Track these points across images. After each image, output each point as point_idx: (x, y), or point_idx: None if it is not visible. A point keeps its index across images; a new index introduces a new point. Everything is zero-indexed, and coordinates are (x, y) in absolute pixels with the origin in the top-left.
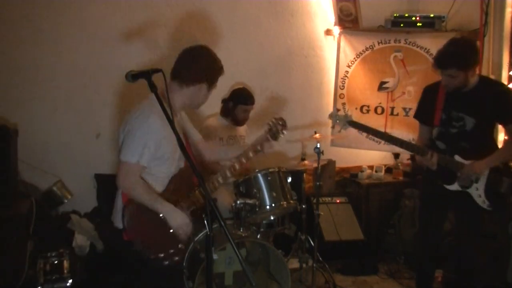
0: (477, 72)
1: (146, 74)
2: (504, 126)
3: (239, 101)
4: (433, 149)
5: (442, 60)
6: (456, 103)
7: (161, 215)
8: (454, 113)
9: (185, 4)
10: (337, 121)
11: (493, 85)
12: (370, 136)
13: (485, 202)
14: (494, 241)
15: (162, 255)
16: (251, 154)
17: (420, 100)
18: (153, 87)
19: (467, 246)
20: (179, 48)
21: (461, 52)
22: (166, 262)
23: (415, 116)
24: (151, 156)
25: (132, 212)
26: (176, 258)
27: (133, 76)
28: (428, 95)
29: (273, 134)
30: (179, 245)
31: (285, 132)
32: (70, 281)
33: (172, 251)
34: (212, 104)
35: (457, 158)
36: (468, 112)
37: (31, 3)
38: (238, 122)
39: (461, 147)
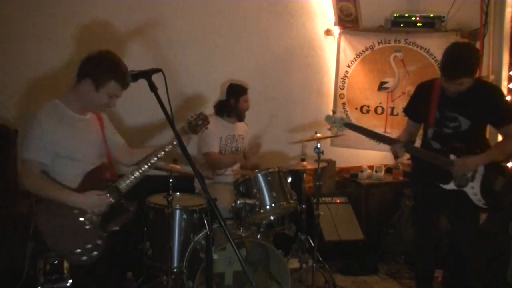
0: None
1: (146, 74)
2: (497, 128)
3: (239, 94)
4: (428, 150)
5: (454, 72)
6: (450, 103)
7: (75, 211)
8: (448, 113)
9: (185, 4)
10: (334, 123)
11: (488, 88)
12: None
13: (480, 200)
14: (494, 241)
15: (78, 250)
16: (166, 149)
17: (413, 96)
18: (153, 87)
19: (463, 245)
20: (179, 48)
21: (469, 60)
22: (84, 258)
23: (405, 111)
24: (51, 153)
25: (44, 209)
26: (94, 253)
27: (133, 76)
28: (422, 93)
29: (193, 127)
30: (98, 241)
31: (207, 127)
32: (70, 281)
33: (89, 246)
34: (213, 104)
35: (452, 157)
36: (463, 113)
37: (31, 3)
38: (242, 115)
39: (455, 147)
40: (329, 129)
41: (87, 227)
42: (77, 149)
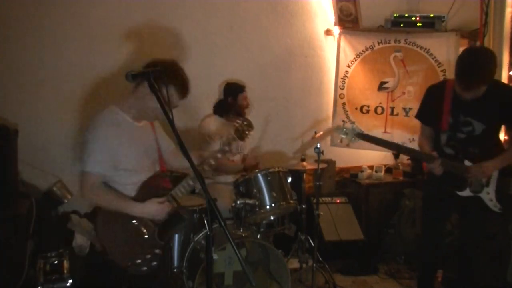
0: None
1: (146, 74)
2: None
3: (237, 92)
4: (438, 154)
5: (471, 82)
6: (464, 107)
7: (134, 221)
8: (461, 118)
9: (185, 4)
10: (346, 134)
11: (503, 88)
12: None
13: (496, 205)
14: (494, 241)
15: (139, 261)
16: (219, 155)
17: (424, 100)
18: (153, 87)
19: (472, 248)
20: (179, 48)
21: (487, 68)
22: (144, 268)
23: (418, 117)
24: (111, 165)
25: (104, 220)
26: (154, 263)
27: (133, 76)
28: (434, 96)
29: (240, 134)
30: (156, 251)
31: (251, 132)
32: (70, 281)
33: (149, 256)
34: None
35: (467, 163)
36: (477, 117)
37: (32, 3)
38: (242, 112)
39: (469, 153)
40: (340, 141)
41: (146, 236)
42: (134, 158)
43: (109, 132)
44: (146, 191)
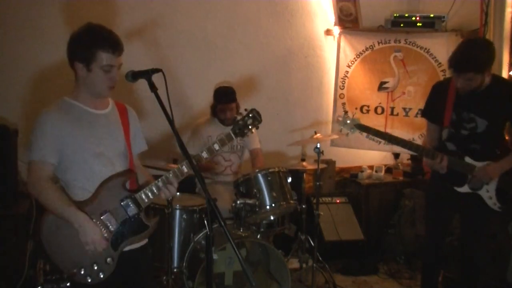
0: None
1: (146, 74)
2: None
3: (217, 101)
4: (442, 152)
5: (460, 64)
6: (467, 103)
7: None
8: (465, 114)
9: (185, 4)
10: (345, 125)
11: (507, 84)
12: (370, 136)
13: (496, 204)
14: (494, 241)
15: (82, 271)
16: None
17: (429, 97)
18: (153, 87)
19: (473, 247)
20: (179, 48)
21: (479, 55)
22: (89, 280)
23: (424, 115)
24: (57, 150)
25: (51, 220)
26: (102, 275)
27: (133, 76)
28: (438, 93)
29: (241, 128)
30: (107, 259)
31: (257, 126)
32: None
33: (96, 267)
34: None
35: (468, 159)
36: (480, 114)
37: (32, 3)
38: (222, 122)
39: (472, 149)
40: (340, 131)
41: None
42: (91, 148)
43: (56, 117)
44: (105, 191)
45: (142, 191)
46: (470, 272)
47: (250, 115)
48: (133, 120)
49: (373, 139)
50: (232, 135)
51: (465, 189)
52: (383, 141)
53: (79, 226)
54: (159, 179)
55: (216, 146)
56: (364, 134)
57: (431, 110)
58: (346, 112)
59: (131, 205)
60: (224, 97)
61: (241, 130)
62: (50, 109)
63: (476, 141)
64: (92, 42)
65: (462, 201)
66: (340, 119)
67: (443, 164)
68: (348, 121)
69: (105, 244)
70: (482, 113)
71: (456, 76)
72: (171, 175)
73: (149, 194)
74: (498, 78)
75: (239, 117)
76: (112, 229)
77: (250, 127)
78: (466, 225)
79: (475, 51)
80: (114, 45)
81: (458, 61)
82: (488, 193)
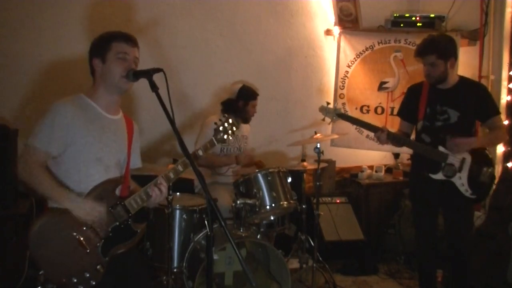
0: (472, 73)
1: (147, 74)
2: (483, 122)
3: (249, 98)
4: (416, 141)
5: (421, 48)
6: (440, 98)
7: (74, 233)
8: (438, 107)
9: (185, 5)
10: (327, 113)
11: (473, 85)
12: (370, 136)
13: (467, 190)
14: (494, 241)
15: (75, 280)
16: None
17: (404, 98)
18: (154, 87)
19: (458, 242)
20: (180, 48)
21: (439, 40)
22: (81, 287)
23: (398, 114)
24: (62, 143)
25: (40, 229)
26: (93, 282)
27: (134, 75)
28: (412, 93)
29: (221, 134)
30: (97, 267)
31: (233, 132)
32: None
33: (87, 275)
34: (213, 104)
35: (441, 148)
36: (451, 106)
37: (31, 3)
38: (249, 118)
39: (444, 139)
40: (323, 119)
41: (88, 251)
42: (94, 152)
43: (69, 110)
44: (99, 193)
45: (131, 198)
46: (459, 267)
47: (230, 121)
48: (136, 135)
49: (374, 139)
50: (215, 141)
51: (439, 176)
52: None
53: (72, 204)
54: (146, 187)
55: (200, 152)
56: (364, 134)
57: (405, 110)
58: (329, 104)
59: (120, 211)
60: (254, 93)
61: (221, 137)
62: (66, 102)
63: (449, 131)
64: (107, 36)
65: (440, 190)
66: (323, 108)
67: (383, 136)
68: (330, 111)
69: (104, 214)
70: (453, 105)
71: (423, 64)
72: (171, 174)
73: (138, 200)
74: (465, 79)
75: (219, 123)
76: (101, 234)
77: (230, 132)
78: (448, 219)
79: (435, 38)
80: (126, 36)
81: (420, 45)
82: (461, 180)
